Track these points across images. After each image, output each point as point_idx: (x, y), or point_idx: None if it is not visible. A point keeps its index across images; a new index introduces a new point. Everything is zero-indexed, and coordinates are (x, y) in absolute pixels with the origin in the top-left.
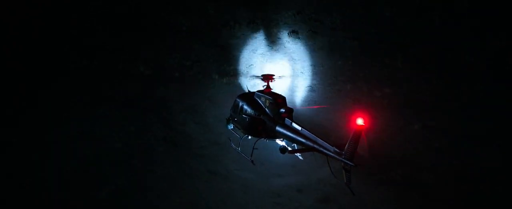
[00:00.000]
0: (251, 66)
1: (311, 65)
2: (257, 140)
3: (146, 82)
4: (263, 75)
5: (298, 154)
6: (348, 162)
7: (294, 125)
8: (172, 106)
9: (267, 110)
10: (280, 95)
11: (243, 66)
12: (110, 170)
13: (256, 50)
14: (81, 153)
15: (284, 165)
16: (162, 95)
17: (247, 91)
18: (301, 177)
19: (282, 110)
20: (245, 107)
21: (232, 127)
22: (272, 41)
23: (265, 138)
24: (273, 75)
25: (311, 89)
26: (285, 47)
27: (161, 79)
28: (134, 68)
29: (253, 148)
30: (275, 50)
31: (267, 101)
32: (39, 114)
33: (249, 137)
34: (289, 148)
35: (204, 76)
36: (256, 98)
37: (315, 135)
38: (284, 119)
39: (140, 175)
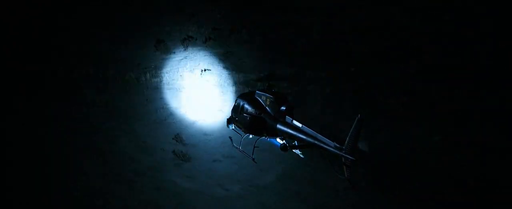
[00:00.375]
0: (260, 72)
1: (319, 71)
2: (258, 139)
3: (152, 91)
4: (264, 74)
5: (299, 152)
6: (348, 156)
7: (295, 122)
8: (181, 117)
9: (267, 108)
10: (281, 93)
11: (253, 72)
12: (117, 188)
13: (265, 57)
14: (86, 170)
15: (302, 180)
16: (170, 105)
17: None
18: (325, 198)
19: (283, 108)
20: (246, 106)
21: (233, 127)
22: (280, 45)
23: (266, 137)
24: (274, 74)
25: (322, 97)
26: (293, 51)
27: (168, 87)
28: (140, 76)
29: (254, 147)
30: (283, 55)
31: (267, 99)
32: (42, 127)
33: (250, 136)
34: (290, 145)
35: (214, 84)
36: (257, 97)
37: (315, 131)
38: (285, 117)
39: (149, 193)
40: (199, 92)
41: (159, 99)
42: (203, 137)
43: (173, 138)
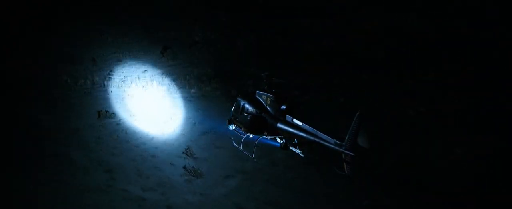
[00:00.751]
0: (265, 73)
1: (331, 78)
2: (258, 138)
3: (159, 100)
4: (265, 74)
5: (298, 151)
6: (348, 152)
7: (295, 120)
8: (190, 128)
9: (268, 107)
10: (281, 92)
11: (263, 78)
12: (125, 206)
13: (275, 63)
14: (91, 187)
15: (322, 197)
16: (178, 115)
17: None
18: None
19: (283, 106)
20: (247, 106)
21: (233, 127)
22: (290, 50)
23: (266, 136)
24: (275, 74)
25: (336, 106)
26: (303, 56)
27: (175, 96)
28: (147, 84)
29: (255, 146)
30: (293, 60)
31: (268, 99)
32: (43, 138)
33: (251, 136)
34: (290, 144)
35: (223, 93)
36: (257, 97)
37: (315, 129)
38: (285, 116)
39: None
40: (208, 101)
41: (167, 108)
42: (215, 150)
43: (183, 152)
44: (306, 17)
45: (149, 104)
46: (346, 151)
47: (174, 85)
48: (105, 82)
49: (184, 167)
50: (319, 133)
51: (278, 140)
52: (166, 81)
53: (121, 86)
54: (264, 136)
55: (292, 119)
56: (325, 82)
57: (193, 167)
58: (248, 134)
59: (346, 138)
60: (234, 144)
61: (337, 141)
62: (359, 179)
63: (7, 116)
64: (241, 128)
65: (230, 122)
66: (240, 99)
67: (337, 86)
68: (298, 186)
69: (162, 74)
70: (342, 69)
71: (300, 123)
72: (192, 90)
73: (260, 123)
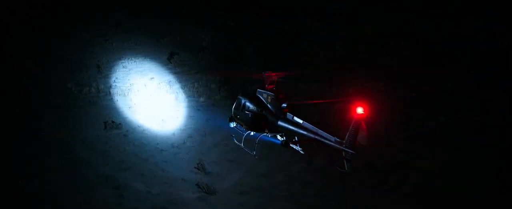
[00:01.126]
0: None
1: (346, 87)
2: (259, 136)
3: (167, 109)
4: (265, 73)
5: (299, 149)
6: (348, 150)
7: (296, 118)
8: (200, 139)
9: (269, 105)
10: (282, 91)
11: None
12: None
13: (289, 70)
14: (99, 204)
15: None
16: (188, 126)
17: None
18: None
19: (284, 104)
20: (248, 104)
21: (234, 125)
22: (302, 56)
23: (267, 133)
24: (276, 73)
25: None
26: (316, 63)
27: (184, 105)
28: (153, 91)
29: (256, 143)
30: (306, 68)
31: (269, 97)
32: (47, 153)
33: (252, 133)
34: (290, 142)
35: (233, 102)
36: (258, 95)
37: (316, 127)
38: (286, 114)
39: None
40: (217, 110)
41: (175, 118)
42: (227, 164)
43: (195, 167)
44: (319, 21)
45: (157, 114)
46: (346, 149)
47: (182, 93)
48: (111, 90)
49: (197, 184)
50: (320, 131)
51: (279, 137)
52: (174, 88)
53: (128, 94)
54: (265, 134)
55: (293, 117)
56: (340, 91)
57: (206, 183)
58: (249, 131)
59: (346, 136)
60: (235, 141)
61: (338, 139)
62: (382, 200)
63: (6, 127)
64: (242, 125)
65: (231, 120)
66: (241, 97)
67: (351, 96)
68: (317, 206)
69: (170, 81)
70: (357, 77)
71: (301, 121)
72: (201, 99)
73: (261, 120)
